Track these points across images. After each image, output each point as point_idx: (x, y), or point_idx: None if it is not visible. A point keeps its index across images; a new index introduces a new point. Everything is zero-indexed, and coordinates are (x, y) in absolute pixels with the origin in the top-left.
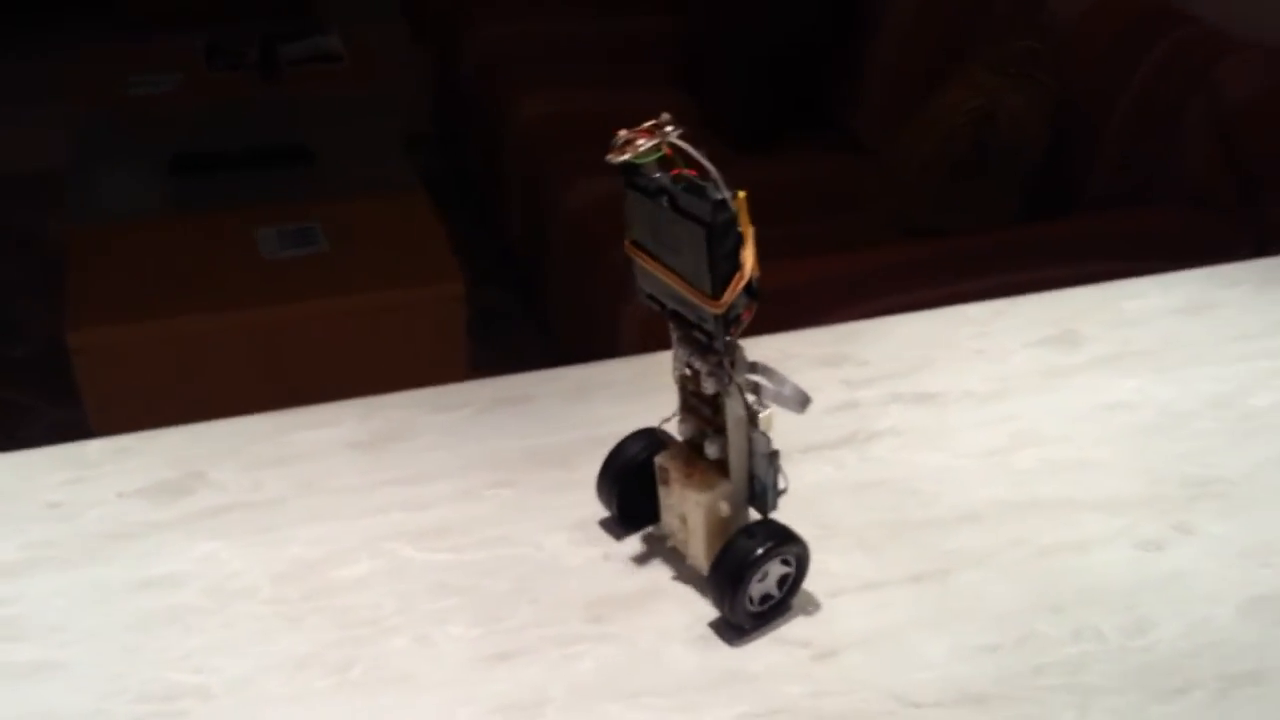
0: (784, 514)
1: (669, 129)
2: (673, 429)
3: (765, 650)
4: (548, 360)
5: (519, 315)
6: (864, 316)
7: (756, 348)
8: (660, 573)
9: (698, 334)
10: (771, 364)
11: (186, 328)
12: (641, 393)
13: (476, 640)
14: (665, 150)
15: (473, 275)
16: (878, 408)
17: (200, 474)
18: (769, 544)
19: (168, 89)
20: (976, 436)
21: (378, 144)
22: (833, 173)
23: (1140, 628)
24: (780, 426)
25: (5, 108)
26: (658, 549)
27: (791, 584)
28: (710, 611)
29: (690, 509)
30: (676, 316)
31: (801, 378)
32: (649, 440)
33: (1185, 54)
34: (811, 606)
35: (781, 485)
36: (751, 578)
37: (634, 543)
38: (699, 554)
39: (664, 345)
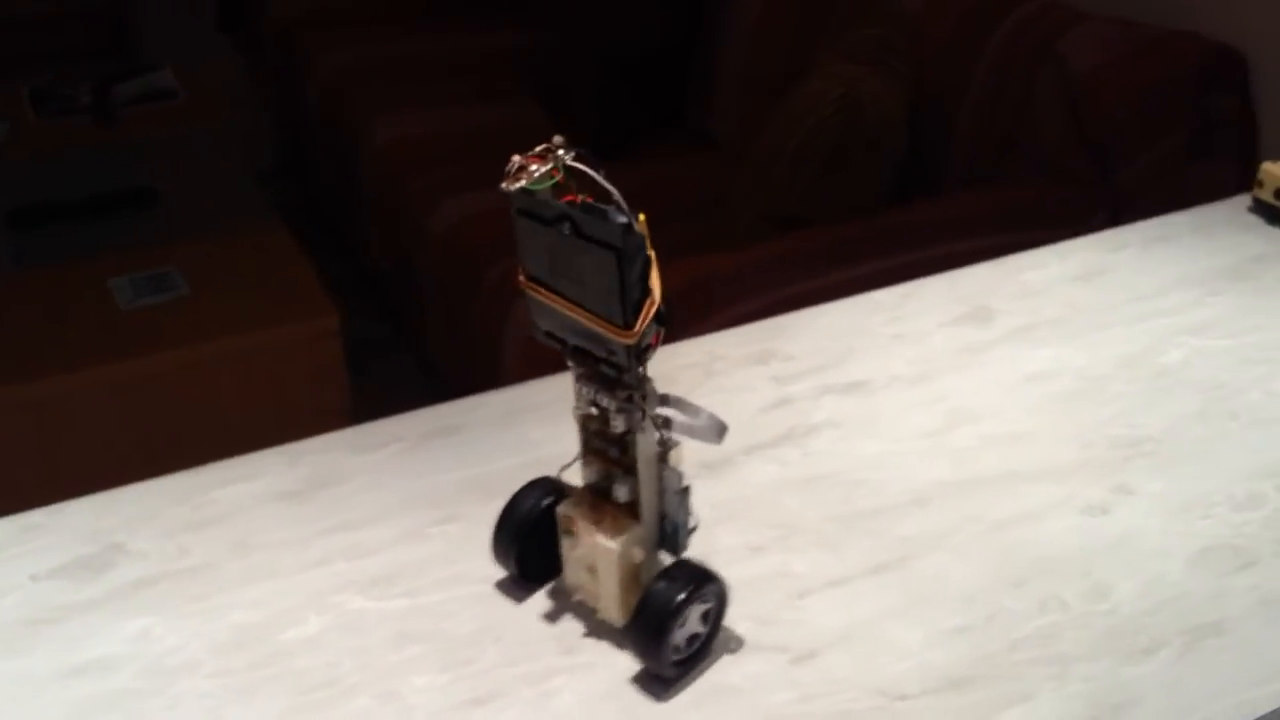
0: (739, 517)
1: (561, 151)
2: (572, 475)
3: (744, 660)
4: (431, 390)
5: (392, 346)
6: (752, 315)
7: (682, 353)
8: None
9: (605, 368)
10: (701, 369)
11: (44, 391)
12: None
13: (445, 687)
14: (558, 175)
15: (341, 309)
16: (811, 401)
17: (118, 545)
18: (689, 588)
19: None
20: (911, 420)
21: (225, 180)
22: (697, 174)
23: (1100, 592)
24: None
25: None
26: (564, 605)
27: (714, 620)
28: (631, 666)
29: (601, 557)
30: (579, 353)
31: (732, 377)
32: (546, 490)
33: (1031, 28)
34: (781, 609)
35: (692, 524)
36: (673, 627)
37: (540, 600)
38: (612, 605)
39: (549, 368)
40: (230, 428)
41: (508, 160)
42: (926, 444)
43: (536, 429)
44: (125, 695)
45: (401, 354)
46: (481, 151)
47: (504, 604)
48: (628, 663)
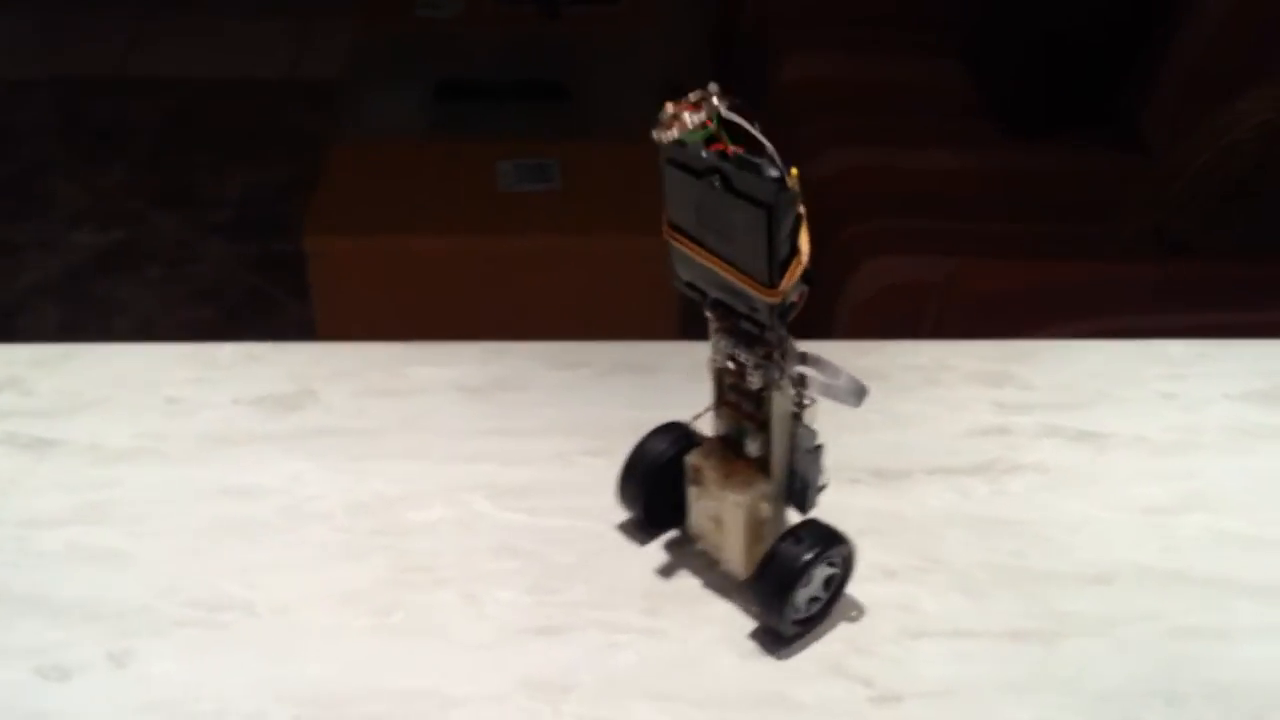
0: (890, 536)
1: (717, 100)
2: (703, 424)
3: (820, 679)
4: None
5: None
6: (1080, 334)
7: (910, 353)
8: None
9: (745, 324)
10: (923, 374)
11: (412, 247)
12: None
13: (524, 610)
14: (711, 125)
15: None
16: (1029, 439)
17: (313, 392)
18: (816, 549)
19: (451, 14)
20: (1138, 490)
21: (636, 90)
22: (1103, 172)
23: None
24: (910, 442)
25: (297, 15)
26: (684, 555)
27: (838, 586)
28: (749, 621)
29: (728, 510)
30: (720, 306)
31: (953, 391)
32: (676, 436)
33: None
34: (885, 643)
35: (822, 482)
36: (798, 585)
37: (653, 550)
38: (736, 558)
39: (879, 333)
40: (564, 317)
41: (910, 116)
42: (1142, 520)
43: None
44: (259, 525)
45: None
46: (885, 105)
47: (609, 548)
48: (742, 618)
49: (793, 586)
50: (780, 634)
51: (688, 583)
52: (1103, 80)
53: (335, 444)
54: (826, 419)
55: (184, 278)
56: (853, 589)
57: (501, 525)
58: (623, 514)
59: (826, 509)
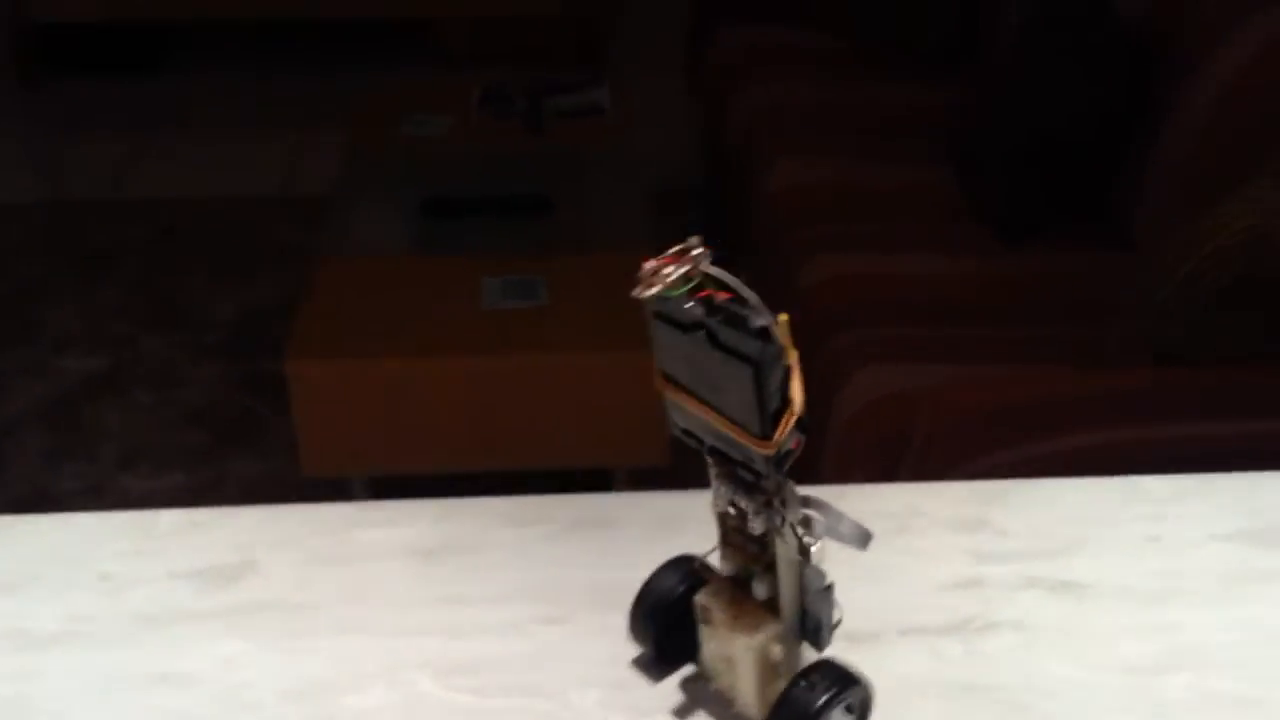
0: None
1: (698, 253)
2: (713, 561)
3: None
4: None
5: None
6: (1072, 447)
7: (883, 497)
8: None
9: (744, 472)
10: (894, 521)
11: (395, 368)
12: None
13: None
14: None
15: None
16: (1007, 592)
17: (254, 562)
18: (831, 692)
19: (437, 132)
20: (1122, 647)
21: (623, 201)
22: (1094, 274)
23: None
24: (881, 599)
25: (291, 132)
26: (698, 693)
27: None
28: None
29: (739, 653)
30: (717, 453)
31: (926, 539)
32: (686, 571)
33: None
34: None
35: (836, 618)
36: None
37: (671, 687)
38: (749, 700)
39: (867, 458)
40: (554, 437)
41: (899, 222)
42: (1127, 682)
43: (696, 540)
44: (186, 716)
45: None
46: (874, 211)
47: None
48: None
49: None
50: None
51: None
52: (1094, 179)
53: (273, 620)
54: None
55: (173, 401)
56: None
57: (446, 708)
58: (575, 693)
59: None
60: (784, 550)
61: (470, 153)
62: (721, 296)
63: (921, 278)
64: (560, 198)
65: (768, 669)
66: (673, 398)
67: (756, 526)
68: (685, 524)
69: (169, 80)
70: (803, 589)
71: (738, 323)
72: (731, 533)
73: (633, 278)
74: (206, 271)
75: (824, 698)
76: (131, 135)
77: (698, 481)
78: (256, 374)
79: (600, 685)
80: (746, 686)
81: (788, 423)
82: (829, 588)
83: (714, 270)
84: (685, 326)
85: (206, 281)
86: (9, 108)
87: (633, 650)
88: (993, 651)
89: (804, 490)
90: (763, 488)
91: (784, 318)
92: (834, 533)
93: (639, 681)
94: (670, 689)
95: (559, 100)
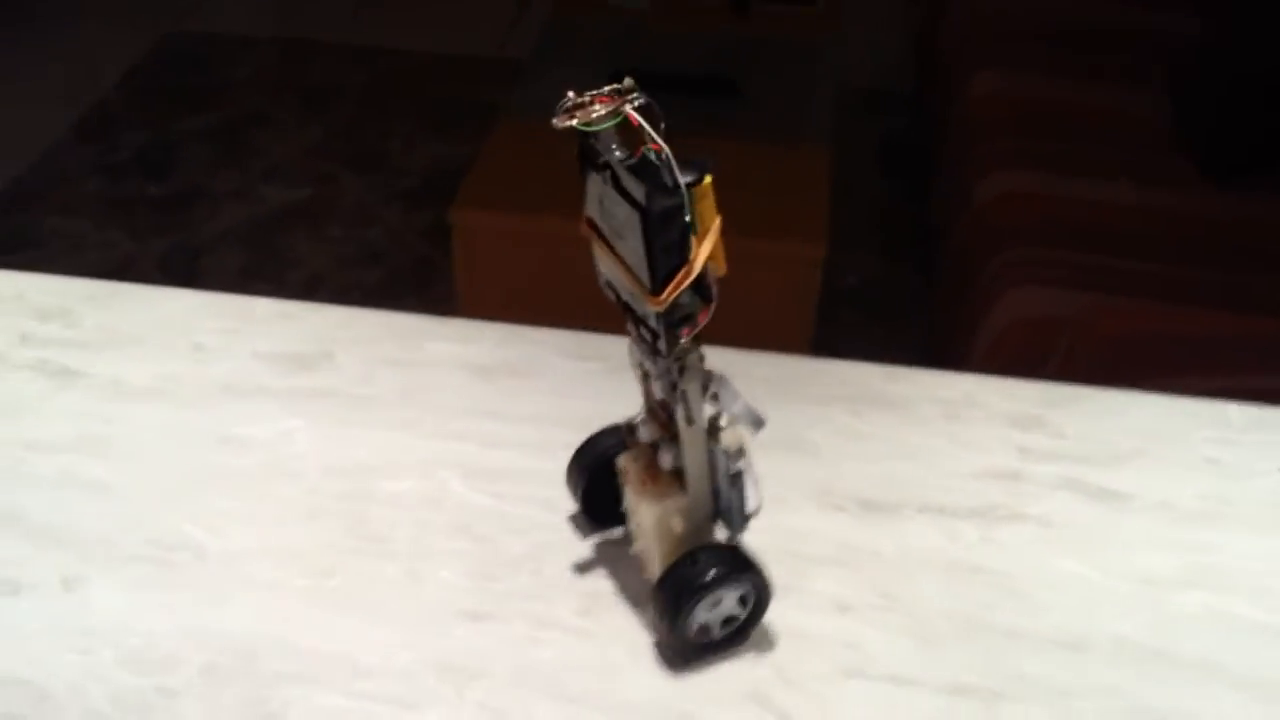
0: (856, 570)
1: (631, 96)
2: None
3: (735, 706)
4: (910, 347)
5: (913, 296)
6: (1214, 391)
7: (943, 385)
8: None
9: (644, 331)
10: (946, 408)
11: (551, 227)
12: (773, 398)
13: (460, 592)
14: (629, 120)
15: (881, 246)
16: (1042, 490)
17: (330, 354)
18: (716, 572)
19: (642, 6)
20: (1144, 558)
21: (813, 96)
22: None
23: None
24: (908, 476)
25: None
26: (618, 553)
27: (744, 621)
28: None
29: (643, 519)
30: (627, 309)
31: (973, 430)
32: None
33: None
34: (815, 679)
35: (750, 508)
36: (694, 605)
37: (604, 548)
38: (653, 567)
39: (1011, 368)
40: None
41: (1092, 145)
42: (1139, 591)
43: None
44: (238, 473)
45: (918, 307)
46: (1072, 130)
47: (562, 544)
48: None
49: (687, 605)
50: (677, 652)
51: (627, 585)
52: None
53: (333, 406)
54: (834, 439)
55: (359, 239)
56: (800, 619)
57: (465, 505)
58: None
59: (795, 530)
60: (684, 421)
61: (671, 30)
62: (655, 149)
63: (1103, 204)
64: (750, 85)
65: (671, 539)
66: (594, 245)
67: (656, 390)
68: (740, 383)
69: None
70: (712, 468)
71: (647, 172)
72: (647, 397)
73: (814, 159)
74: (410, 120)
75: (709, 576)
76: None
77: None
78: (438, 224)
79: None
80: (651, 553)
81: (681, 282)
82: (737, 474)
83: (635, 115)
84: (597, 166)
85: (408, 130)
86: None
87: None
88: (1007, 540)
89: (713, 365)
90: (659, 350)
91: (708, 180)
92: (728, 410)
93: None
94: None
95: None
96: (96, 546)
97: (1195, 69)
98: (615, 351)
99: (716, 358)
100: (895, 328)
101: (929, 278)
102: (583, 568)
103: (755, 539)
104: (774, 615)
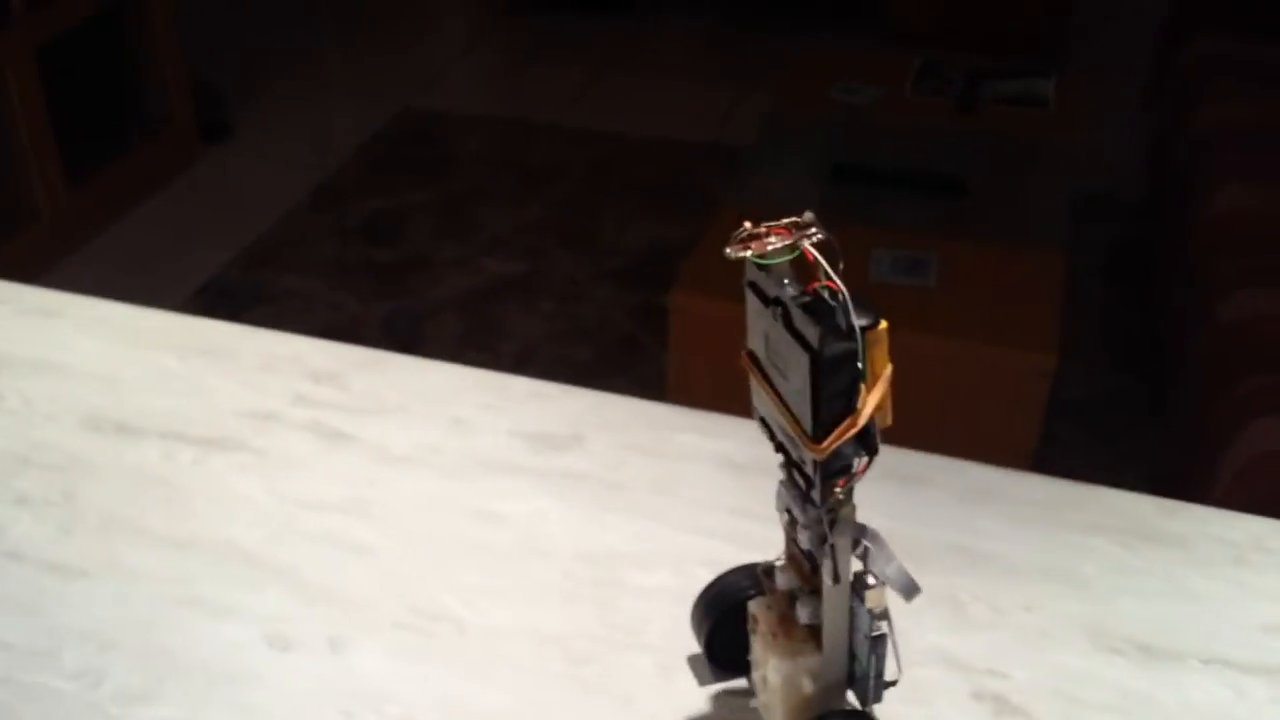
0: (1123, 718)
1: (811, 231)
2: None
3: None
4: (1136, 471)
5: (1139, 411)
6: None
7: (1225, 525)
8: None
9: (797, 476)
10: (1232, 551)
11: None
12: (1040, 522)
13: (712, 697)
14: (805, 254)
15: (1106, 357)
16: None
17: (581, 438)
18: None
19: (865, 101)
20: None
21: (1043, 199)
22: None
23: None
24: (1191, 624)
25: (732, 85)
26: (736, 704)
27: None
28: None
29: (770, 674)
30: (783, 450)
31: (1256, 579)
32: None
33: None
34: None
35: (889, 676)
36: None
37: (718, 692)
38: None
39: (1265, 508)
40: (919, 416)
41: None
42: None
43: (988, 521)
44: (493, 550)
45: (1150, 423)
46: None
47: (644, 664)
48: None
49: None
50: None
51: None
52: None
53: (585, 490)
54: (1116, 577)
55: (570, 314)
56: None
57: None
58: None
59: (1067, 669)
60: (828, 577)
61: (895, 125)
62: (832, 288)
63: None
64: (977, 185)
65: (798, 700)
66: (753, 379)
67: (802, 540)
68: (985, 502)
69: (637, 21)
70: (852, 628)
71: (821, 311)
72: (791, 543)
73: (1039, 263)
74: (628, 203)
75: None
76: (591, 68)
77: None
78: (648, 305)
79: None
80: (775, 711)
81: (845, 432)
82: (880, 638)
83: (812, 251)
84: (766, 299)
85: (624, 212)
86: (493, 34)
87: None
88: None
89: (868, 521)
90: (812, 499)
91: (883, 325)
92: (879, 571)
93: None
94: (715, 692)
95: (998, 85)
96: (361, 610)
97: None
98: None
99: (970, 474)
100: (1120, 445)
101: (1156, 393)
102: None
103: (1022, 673)
104: None
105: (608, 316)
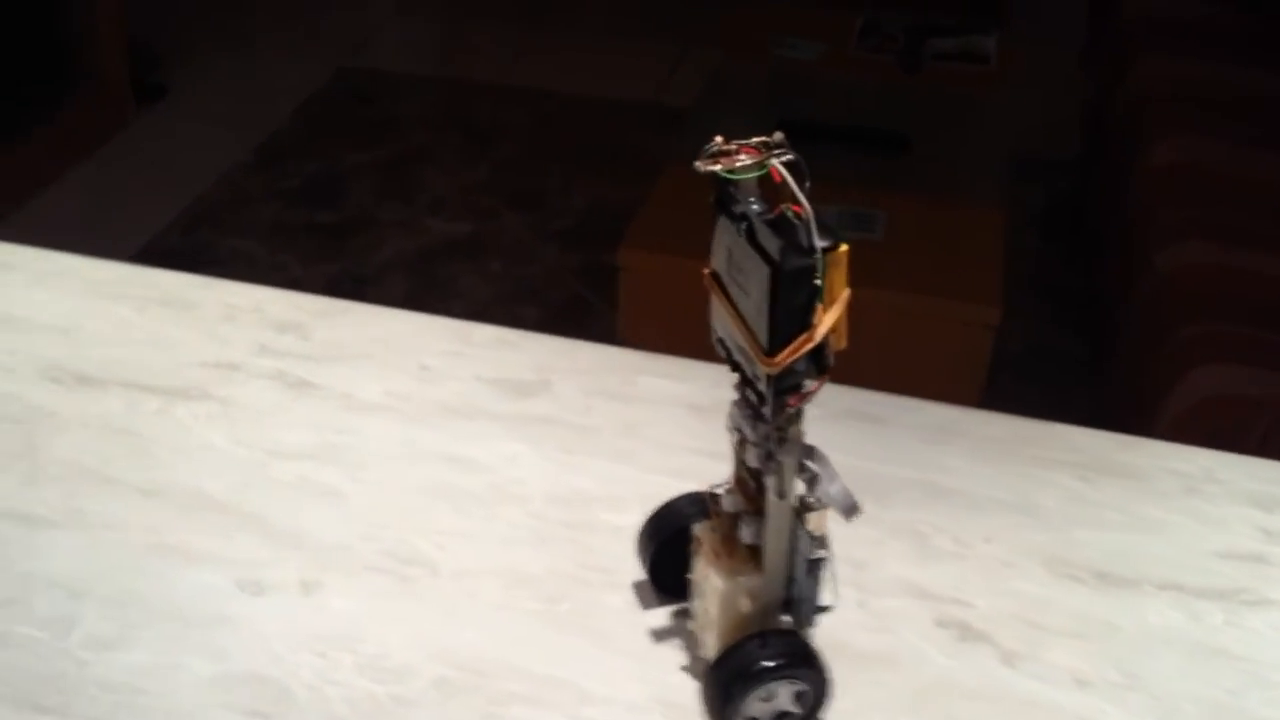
0: (1097, 644)
1: (779, 151)
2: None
3: None
4: (1076, 421)
5: (1078, 364)
6: None
7: (1175, 457)
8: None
9: (749, 392)
10: (1186, 482)
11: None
12: (1000, 458)
13: (686, 631)
14: (772, 173)
15: (1045, 310)
16: None
17: (548, 383)
18: (779, 661)
19: (808, 57)
20: None
21: (984, 155)
22: None
23: None
24: (1148, 551)
25: (672, 43)
26: (677, 628)
27: (808, 711)
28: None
29: (709, 592)
30: (737, 368)
31: (1209, 508)
32: (705, 505)
33: None
34: None
35: (825, 601)
36: (748, 693)
37: (661, 615)
38: (709, 643)
39: (1209, 441)
40: (861, 366)
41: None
42: None
43: (955, 459)
44: (462, 494)
45: (1083, 375)
46: (1260, 204)
47: (617, 603)
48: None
49: (739, 692)
50: None
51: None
52: None
53: (555, 434)
54: (1074, 509)
55: (518, 275)
56: (1038, 690)
57: (539, 538)
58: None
59: (1028, 597)
60: (773, 496)
61: (837, 81)
62: (797, 211)
63: None
64: (920, 141)
65: (735, 618)
66: (714, 296)
67: (750, 459)
68: (950, 439)
69: None
70: (792, 550)
71: (785, 228)
72: (740, 465)
73: (983, 217)
74: (570, 162)
75: (769, 664)
76: (529, 27)
77: None
78: (594, 264)
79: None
80: (709, 630)
81: (800, 347)
82: (818, 561)
83: (781, 169)
84: (734, 215)
85: (568, 172)
86: None
87: None
88: (1254, 626)
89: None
90: (761, 414)
91: (844, 248)
92: (822, 490)
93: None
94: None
95: (941, 42)
96: (333, 554)
97: None
98: (834, 402)
99: (931, 413)
100: (1060, 397)
101: (1095, 346)
102: (625, 632)
103: (984, 602)
104: (1009, 683)
105: (555, 276)
